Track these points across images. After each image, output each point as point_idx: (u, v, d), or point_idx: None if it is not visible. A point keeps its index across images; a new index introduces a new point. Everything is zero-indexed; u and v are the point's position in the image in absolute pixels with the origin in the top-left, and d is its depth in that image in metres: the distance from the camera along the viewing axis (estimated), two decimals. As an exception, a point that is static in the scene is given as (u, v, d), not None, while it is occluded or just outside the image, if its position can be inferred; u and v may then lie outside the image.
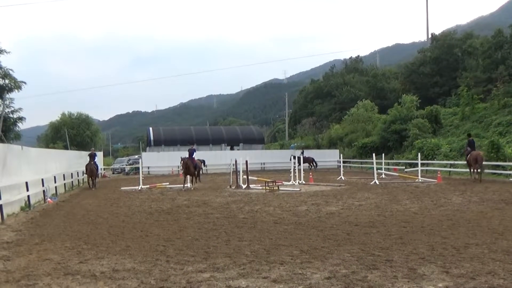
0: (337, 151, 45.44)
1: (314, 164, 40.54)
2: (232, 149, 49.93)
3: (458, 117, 40.16)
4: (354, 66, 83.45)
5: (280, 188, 20.84)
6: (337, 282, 6.08)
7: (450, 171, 29.22)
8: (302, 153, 39.55)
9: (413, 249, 7.97)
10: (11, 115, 39.08)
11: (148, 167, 41.27)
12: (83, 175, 28.08)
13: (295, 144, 57.00)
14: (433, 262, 7.04)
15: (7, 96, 37.83)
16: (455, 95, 46.18)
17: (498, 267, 6.63)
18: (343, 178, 27.85)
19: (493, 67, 44.33)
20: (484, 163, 23.65)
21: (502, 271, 6.44)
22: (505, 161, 25.74)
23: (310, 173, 28.04)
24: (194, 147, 24.58)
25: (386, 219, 11.67)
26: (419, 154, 27.85)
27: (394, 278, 6.23)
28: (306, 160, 38.63)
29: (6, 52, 37.89)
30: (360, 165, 41.72)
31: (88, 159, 25.88)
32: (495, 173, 25.86)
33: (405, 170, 32.45)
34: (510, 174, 24.52)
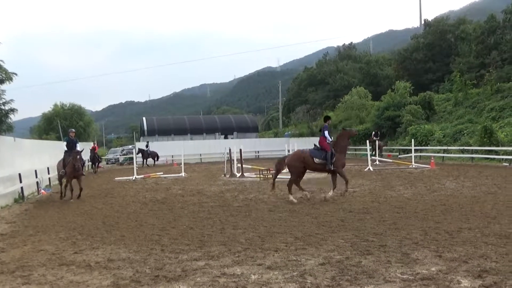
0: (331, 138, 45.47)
1: (157, 159, 37.92)
2: (226, 138, 49.92)
3: (451, 103, 40.25)
4: (347, 53, 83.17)
5: (275, 176, 20.85)
6: (331, 268, 6.12)
7: (443, 156, 29.36)
8: (147, 146, 38.39)
9: (407, 234, 8.03)
10: (3, 107, 38.81)
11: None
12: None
13: (289, 132, 57.00)
14: (426, 246, 7.10)
15: (-2, 87, 37.53)
16: (448, 81, 46.30)
17: (490, 251, 6.69)
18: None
19: (486, 52, 44.39)
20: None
21: (495, 254, 6.49)
22: (498, 146, 25.89)
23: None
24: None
25: (380, 205, 11.73)
26: (412, 140, 27.95)
27: (387, 263, 6.28)
28: (151, 155, 36.81)
29: (-4, 44, 37.54)
30: (354, 152, 41.83)
31: (65, 151, 16.39)
32: (488, 158, 26.02)
33: (399, 156, 32.61)
34: (503, 158, 24.69)
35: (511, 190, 13.65)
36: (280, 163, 13.89)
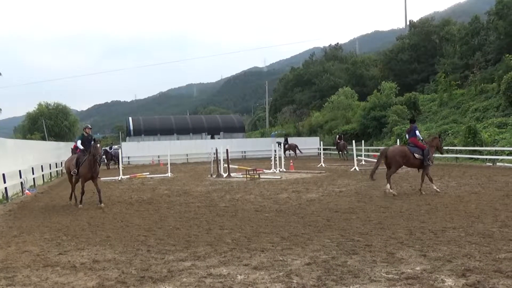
0: (318, 138, 45.69)
1: (117, 160, 35.79)
2: (212, 138, 49.83)
3: (436, 103, 40.69)
4: (333, 53, 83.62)
5: (261, 176, 20.88)
6: (317, 268, 6.14)
7: (428, 156, 29.58)
8: (110, 148, 38.05)
9: (392, 234, 8.09)
10: (-14, 106, 38.32)
11: (128, 157, 40.89)
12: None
13: (276, 132, 57.07)
14: (411, 246, 7.16)
15: (-18, 87, 37.01)
16: (433, 82, 46.80)
17: (474, 250, 6.77)
18: (323, 165, 28.01)
19: (470, 53, 44.98)
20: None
21: (478, 253, 6.58)
22: (482, 146, 26.19)
23: (291, 161, 28.14)
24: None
25: (366, 205, 11.80)
26: (398, 140, 28.15)
27: (373, 262, 6.32)
28: (114, 156, 35.50)
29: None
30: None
31: (78, 148, 14.35)
32: (472, 158, 26.31)
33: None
34: (486, 158, 24.98)
35: (494, 190, 13.83)
36: (382, 154, 14.53)
